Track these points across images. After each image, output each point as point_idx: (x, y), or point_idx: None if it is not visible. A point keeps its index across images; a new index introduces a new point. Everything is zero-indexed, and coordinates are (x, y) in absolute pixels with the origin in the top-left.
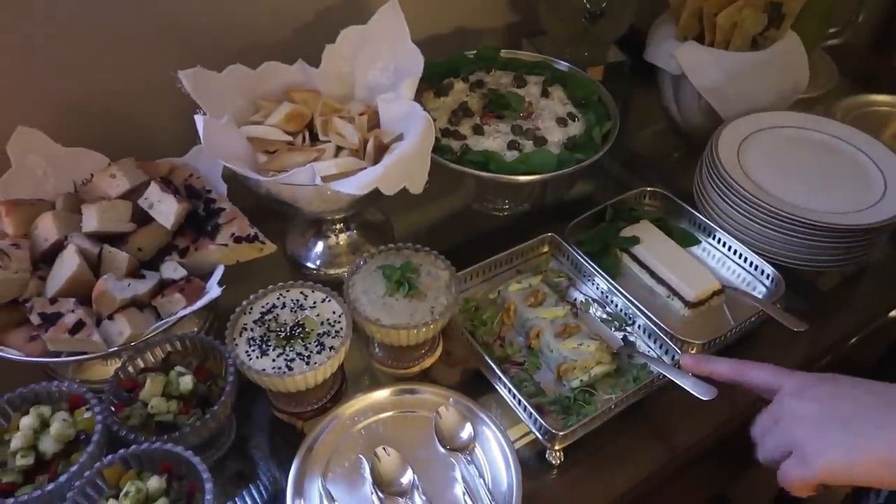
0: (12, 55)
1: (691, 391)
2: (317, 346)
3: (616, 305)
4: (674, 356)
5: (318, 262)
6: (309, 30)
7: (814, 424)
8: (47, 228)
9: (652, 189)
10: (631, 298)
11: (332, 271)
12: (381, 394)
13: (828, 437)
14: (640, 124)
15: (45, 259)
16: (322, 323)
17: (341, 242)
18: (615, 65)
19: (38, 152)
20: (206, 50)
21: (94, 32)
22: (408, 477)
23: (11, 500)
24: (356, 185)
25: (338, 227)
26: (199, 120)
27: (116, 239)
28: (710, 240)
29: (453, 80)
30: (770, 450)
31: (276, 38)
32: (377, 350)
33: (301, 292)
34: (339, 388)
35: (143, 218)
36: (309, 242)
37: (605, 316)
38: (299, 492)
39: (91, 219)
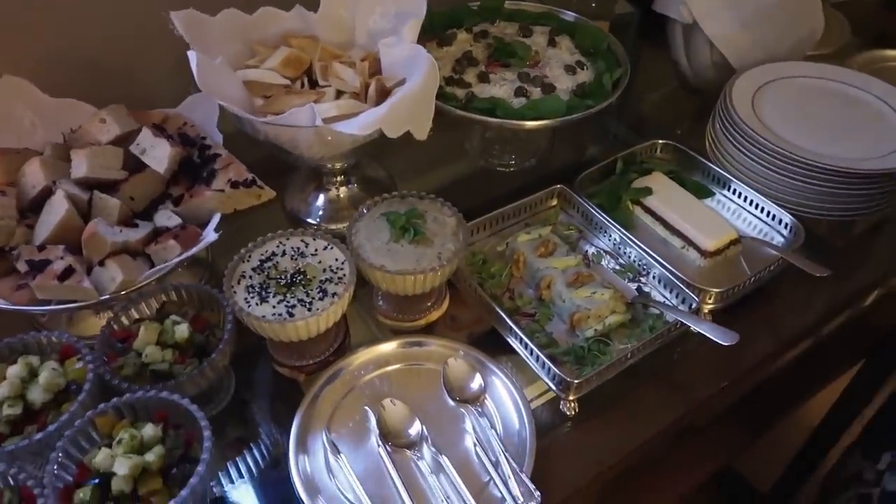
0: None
1: (711, 337)
2: (319, 292)
3: (629, 256)
4: (691, 304)
5: (318, 217)
6: None
7: None
8: (35, 175)
9: (664, 142)
10: (646, 248)
11: (333, 226)
12: (388, 346)
13: None
14: (649, 85)
15: (32, 208)
16: (324, 270)
17: (342, 196)
18: (623, 18)
19: (24, 102)
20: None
21: None
22: (416, 428)
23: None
24: (358, 126)
25: (338, 179)
26: (192, 56)
27: (107, 187)
28: (725, 191)
29: (456, 31)
30: None
31: None
32: (381, 303)
33: (302, 240)
34: (342, 342)
35: (135, 166)
36: (309, 197)
37: (617, 267)
38: (302, 446)
39: (80, 164)
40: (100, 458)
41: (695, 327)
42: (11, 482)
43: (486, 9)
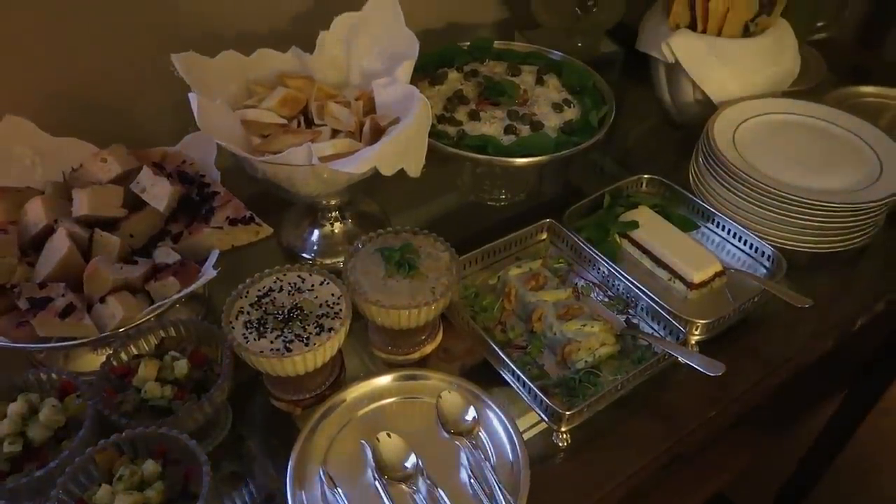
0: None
1: (699, 368)
2: (315, 327)
3: (617, 289)
4: (678, 336)
5: (313, 252)
6: (302, 17)
7: None
8: (36, 213)
9: (649, 176)
10: (633, 281)
11: (328, 261)
12: (383, 380)
13: None
14: (634, 120)
15: (33, 245)
16: (321, 305)
17: (336, 231)
18: (607, 56)
19: (25, 141)
20: (197, 39)
21: (83, 19)
22: (411, 461)
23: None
24: (354, 164)
25: (333, 214)
26: (193, 98)
27: (108, 225)
28: (710, 224)
29: (447, 70)
30: None
31: (269, 26)
32: (376, 336)
33: (298, 276)
34: (338, 376)
35: (134, 204)
36: (304, 233)
37: (606, 299)
38: (299, 480)
39: (82, 202)
40: (100, 494)
41: (682, 359)
42: None
43: (475, 48)
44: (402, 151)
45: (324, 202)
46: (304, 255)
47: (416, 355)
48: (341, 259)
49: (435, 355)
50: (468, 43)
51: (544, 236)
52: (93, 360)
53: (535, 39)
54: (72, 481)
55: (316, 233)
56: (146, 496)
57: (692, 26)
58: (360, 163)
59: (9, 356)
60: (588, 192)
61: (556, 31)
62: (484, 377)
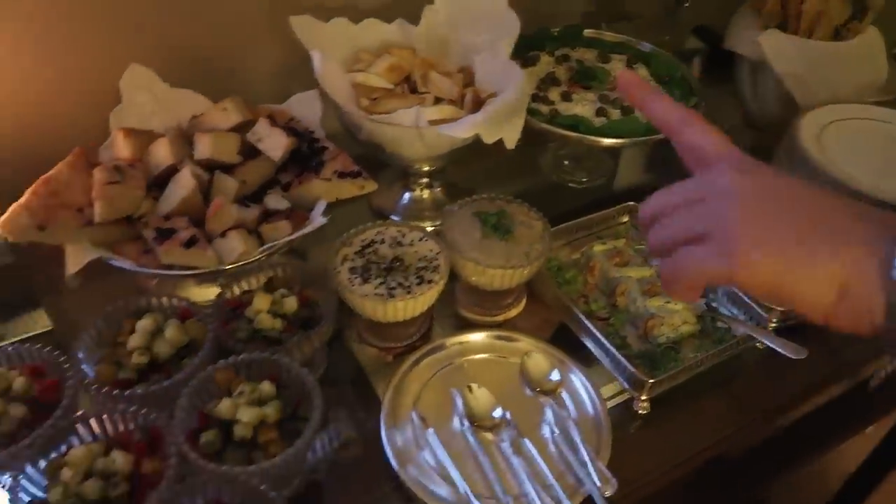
0: None
1: (782, 351)
2: (416, 278)
3: None
4: (757, 322)
5: (400, 214)
6: None
7: (756, 211)
8: (161, 154)
9: None
10: None
11: (414, 223)
12: (473, 336)
13: (772, 229)
14: (710, 117)
15: (156, 184)
16: (420, 259)
17: (425, 197)
18: (691, 52)
19: (147, 89)
20: (308, 8)
21: None
22: (498, 412)
23: (128, 391)
24: (460, 129)
25: (424, 181)
26: (315, 55)
27: (223, 170)
28: None
29: (539, 53)
30: (675, 230)
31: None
32: (464, 296)
33: (398, 230)
34: (427, 330)
35: (248, 153)
36: (396, 195)
37: None
38: (392, 419)
39: (204, 146)
40: (223, 406)
41: (766, 342)
42: (141, 422)
43: (565, 35)
44: (503, 121)
45: (416, 167)
46: (393, 216)
47: (501, 318)
48: (427, 223)
49: (517, 320)
50: (558, 29)
51: (625, 219)
52: (199, 293)
53: (621, 32)
54: (195, 393)
55: (406, 196)
56: (264, 412)
57: (783, 27)
58: (466, 128)
59: (118, 283)
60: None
61: (644, 24)
62: (562, 346)
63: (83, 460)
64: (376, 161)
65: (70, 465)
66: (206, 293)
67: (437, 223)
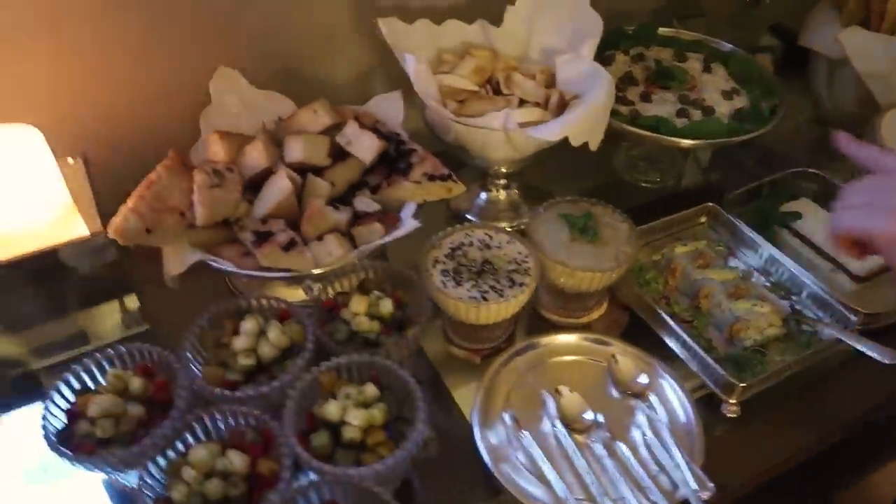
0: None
1: (873, 355)
2: (507, 281)
3: (780, 275)
4: (845, 325)
5: (476, 215)
6: None
7: None
8: (256, 156)
9: (813, 171)
10: (798, 268)
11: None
12: (560, 338)
13: None
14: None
15: (250, 186)
16: (509, 262)
17: (502, 198)
18: (766, 50)
19: (235, 92)
20: (388, 9)
21: None
22: (590, 415)
23: (239, 392)
24: (550, 131)
25: (502, 182)
26: (409, 59)
27: (313, 172)
28: None
29: (615, 52)
30: (862, 196)
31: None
32: (546, 298)
33: (486, 233)
34: (513, 331)
35: (336, 155)
36: (473, 195)
37: (767, 284)
38: (484, 419)
39: (296, 149)
40: (331, 408)
41: (855, 345)
42: (253, 423)
43: (640, 33)
44: (590, 124)
45: (496, 169)
46: (468, 216)
47: (584, 320)
48: (504, 224)
49: (598, 322)
50: (632, 28)
51: (703, 220)
52: (285, 293)
53: (693, 29)
54: (301, 396)
55: (483, 196)
56: (372, 414)
57: (864, 25)
58: (556, 130)
59: (207, 284)
60: (734, 182)
61: (717, 21)
62: (646, 344)
63: (205, 460)
64: (454, 161)
65: (193, 464)
66: (292, 294)
67: (515, 224)
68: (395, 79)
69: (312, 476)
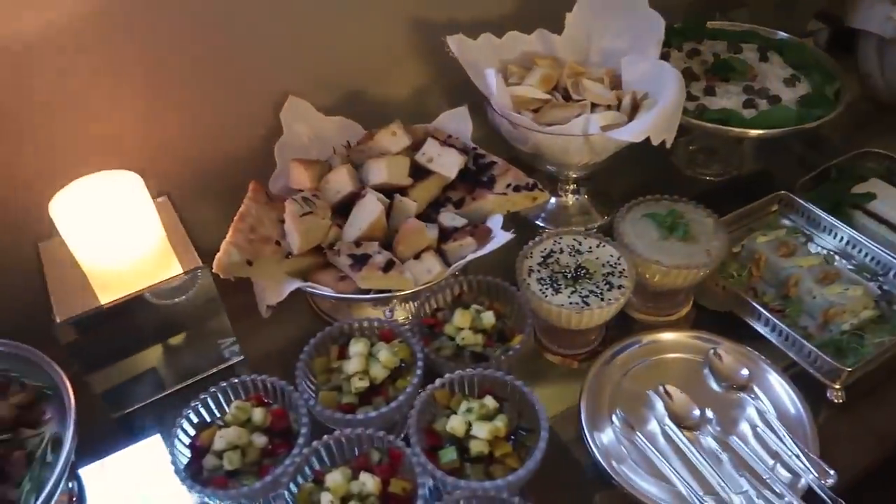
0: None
1: None
2: (605, 284)
3: (862, 257)
4: None
5: (544, 220)
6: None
7: None
8: (341, 181)
9: (878, 151)
10: (882, 248)
11: (557, 230)
12: (661, 335)
13: None
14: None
15: (336, 210)
16: (603, 265)
17: (571, 203)
18: (813, 35)
19: (304, 120)
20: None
21: (345, 12)
22: (697, 411)
23: (360, 414)
24: (632, 133)
25: (571, 187)
26: (490, 73)
27: (396, 192)
28: None
29: (668, 50)
30: None
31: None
32: (636, 298)
33: (574, 239)
34: (606, 333)
35: (414, 174)
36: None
37: (851, 267)
38: (592, 422)
39: (380, 172)
40: (454, 423)
41: None
42: (378, 444)
43: (688, 29)
44: (667, 123)
45: (567, 173)
46: (537, 221)
47: (674, 317)
48: (571, 228)
49: (685, 318)
50: (679, 24)
51: (775, 208)
52: (371, 314)
53: (736, 19)
54: (420, 414)
55: (553, 201)
56: (496, 426)
57: None
58: (638, 132)
59: (294, 307)
60: (788, 169)
61: (763, 10)
62: (737, 336)
63: (342, 485)
64: (523, 168)
65: (332, 490)
66: (377, 314)
67: (588, 227)
68: (450, 93)
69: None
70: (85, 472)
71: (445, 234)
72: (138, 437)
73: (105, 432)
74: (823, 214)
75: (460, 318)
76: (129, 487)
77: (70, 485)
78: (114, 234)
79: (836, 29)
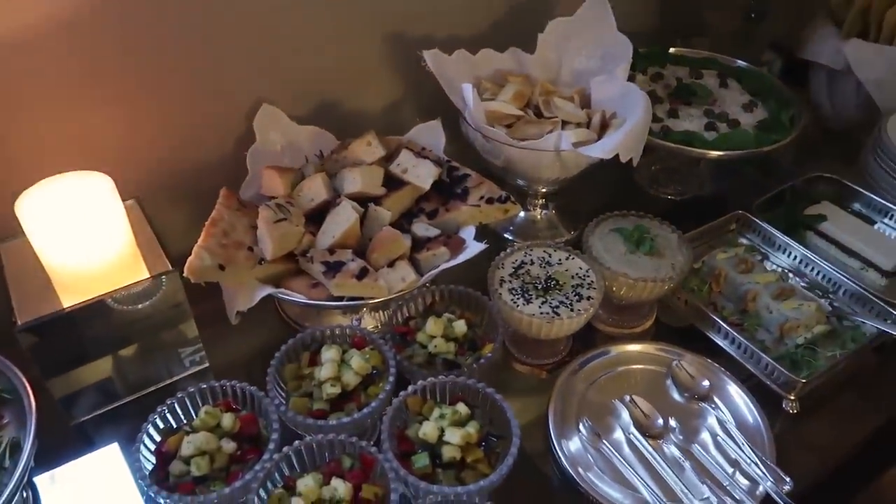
0: (264, 38)
1: None
2: (575, 295)
3: (815, 275)
4: (886, 318)
5: (512, 233)
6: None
7: None
8: (316, 189)
9: (829, 176)
10: (833, 267)
11: (527, 242)
12: (624, 347)
13: None
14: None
15: (308, 218)
16: (572, 277)
17: (539, 217)
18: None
19: (277, 128)
20: (416, 39)
21: (323, 23)
22: (661, 420)
23: (333, 420)
24: (602, 150)
25: (540, 202)
26: (467, 88)
27: (369, 202)
28: (887, 219)
29: (634, 73)
30: None
31: (473, 30)
32: (601, 310)
33: (544, 251)
34: (572, 344)
35: (388, 184)
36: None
37: (804, 285)
38: (559, 430)
39: (355, 181)
40: (427, 429)
41: None
42: (350, 450)
43: (653, 53)
44: (634, 141)
45: (536, 188)
46: (505, 235)
47: (638, 329)
48: (539, 241)
49: (648, 331)
50: (646, 49)
51: (733, 227)
52: (341, 321)
53: (696, 47)
54: (392, 420)
55: (522, 215)
56: (468, 432)
57: (863, 36)
58: (608, 149)
59: (264, 314)
60: (743, 190)
61: (719, 39)
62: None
63: (313, 490)
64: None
65: (303, 495)
66: (346, 321)
67: (556, 241)
68: (423, 107)
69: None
70: (39, 481)
71: (418, 244)
72: (96, 445)
73: (62, 440)
74: (778, 234)
75: (433, 326)
76: (86, 498)
77: (24, 494)
78: (80, 236)
79: (788, 59)
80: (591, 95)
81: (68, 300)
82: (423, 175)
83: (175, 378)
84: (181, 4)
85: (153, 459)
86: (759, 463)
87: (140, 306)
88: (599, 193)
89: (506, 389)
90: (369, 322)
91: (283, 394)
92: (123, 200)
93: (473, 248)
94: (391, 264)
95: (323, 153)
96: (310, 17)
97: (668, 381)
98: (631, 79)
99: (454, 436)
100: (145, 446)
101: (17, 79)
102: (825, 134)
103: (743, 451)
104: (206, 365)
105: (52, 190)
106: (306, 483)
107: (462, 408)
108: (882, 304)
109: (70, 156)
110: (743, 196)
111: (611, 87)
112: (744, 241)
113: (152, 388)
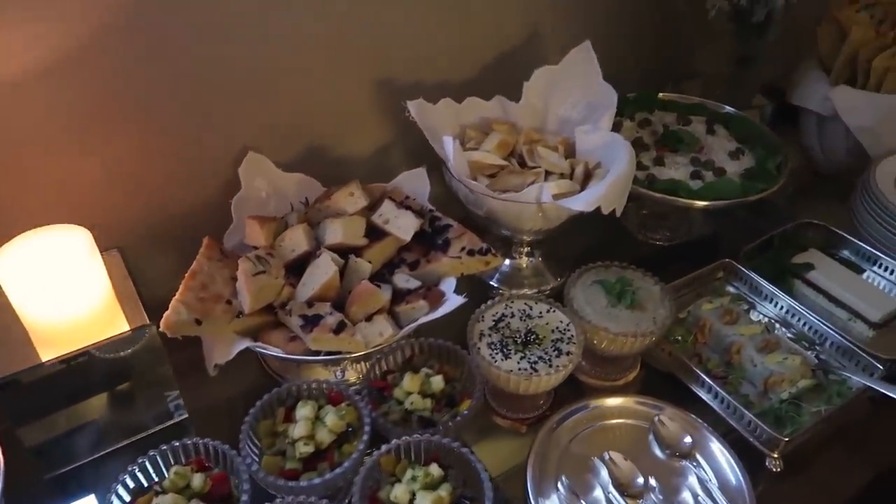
0: (250, 86)
1: None
2: (554, 350)
3: (801, 326)
4: (872, 373)
5: (498, 281)
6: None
7: None
8: (297, 240)
9: (817, 222)
10: (819, 319)
11: (513, 291)
12: (605, 401)
13: None
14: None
15: (290, 269)
16: (552, 330)
17: (525, 265)
18: (759, 110)
19: (263, 176)
20: (404, 87)
21: (310, 69)
22: (641, 479)
23: (304, 482)
24: (583, 203)
25: (525, 249)
26: (447, 140)
27: (350, 253)
28: (875, 268)
29: (621, 119)
30: None
31: (462, 77)
32: (584, 362)
33: (525, 303)
34: (554, 397)
35: (371, 234)
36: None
37: (790, 336)
38: (538, 489)
39: (336, 232)
40: (397, 492)
41: (886, 392)
42: None
43: (642, 98)
44: (617, 193)
45: (521, 237)
46: (491, 282)
47: (621, 382)
48: (524, 290)
49: (632, 384)
50: (634, 94)
51: (720, 275)
52: (322, 374)
53: (688, 91)
54: (364, 481)
55: (508, 263)
56: (440, 495)
57: (850, 82)
58: (590, 201)
59: (245, 367)
60: (733, 235)
61: (710, 84)
62: (680, 402)
63: None
64: (479, 229)
65: None
66: (328, 375)
67: (541, 289)
68: (411, 153)
69: None
70: None
71: (399, 296)
72: (70, 499)
73: (34, 494)
74: (764, 283)
75: (409, 382)
76: None
77: None
78: (59, 290)
79: (779, 103)
80: (575, 144)
81: (46, 353)
82: (404, 226)
83: (154, 429)
84: (165, 52)
85: None
86: None
87: (117, 355)
88: (586, 239)
89: (485, 443)
90: (352, 374)
91: (256, 451)
92: (106, 249)
93: (453, 301)
94: (369, 318)
95: (309, 200)
96: (297, 63)
97: (650, 437)
98: (618, 125)
99: (425, 500)
100: None
101: None
102: (817, 178)
103: None
104: (185, 416)
105: (30, 244)
106: None
107: (435, 469)
108: (869, 357)
109: (51, 206)
110: (734, 238)
111: (595, 136)
112: (731, 289)
113: (132, 439)
